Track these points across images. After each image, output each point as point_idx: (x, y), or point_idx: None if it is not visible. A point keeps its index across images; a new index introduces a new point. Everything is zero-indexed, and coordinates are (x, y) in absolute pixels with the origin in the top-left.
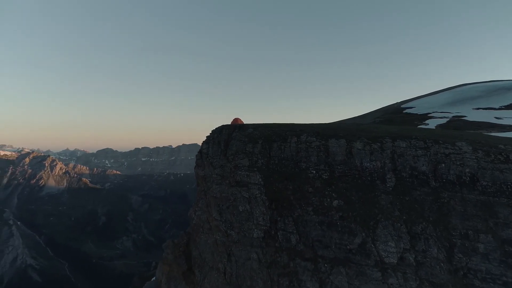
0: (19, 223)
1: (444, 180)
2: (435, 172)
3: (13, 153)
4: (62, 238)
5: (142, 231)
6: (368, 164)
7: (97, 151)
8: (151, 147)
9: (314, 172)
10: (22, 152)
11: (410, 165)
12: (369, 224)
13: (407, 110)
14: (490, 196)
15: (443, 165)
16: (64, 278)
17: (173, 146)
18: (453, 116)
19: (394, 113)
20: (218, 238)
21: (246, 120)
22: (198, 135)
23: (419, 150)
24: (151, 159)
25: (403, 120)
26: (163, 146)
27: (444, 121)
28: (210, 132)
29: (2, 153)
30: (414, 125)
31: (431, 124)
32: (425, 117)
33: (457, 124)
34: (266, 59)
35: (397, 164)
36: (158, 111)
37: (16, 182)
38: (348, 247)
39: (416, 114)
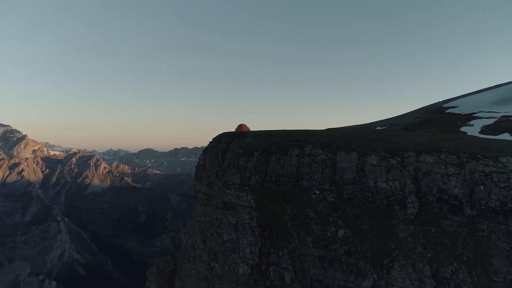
0: (66, 219)
1: (483, 207)
2: (471, 196)
3: (61, 152)
4: (106, 234)
5: (181, 230)
6: (384, 185)
7: (139, 151)
8: (190, 147)
9: (318, 192)
10: (70, 152)
11: (438, 186)
12: (383, 262)
13: (450, 110)
14: None
15: (481, 187)
16: (107, 273)
17: None
18: (501, 116)
19: (435, 113)
20: (201, 271)
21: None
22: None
23: (450, 167)
24: (189, 159)
25: (445, 120)
26: (201, 146)
27: (491, 121)
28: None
29: (52, 152)
30: (457, 126)
31: (476, 125)
32: (470, 117)
33: (506, 125)
34: (305, 58)
35: (422, 185)
36: (197, 111)
37: (63, 180)
38: None
39: (460, 114)
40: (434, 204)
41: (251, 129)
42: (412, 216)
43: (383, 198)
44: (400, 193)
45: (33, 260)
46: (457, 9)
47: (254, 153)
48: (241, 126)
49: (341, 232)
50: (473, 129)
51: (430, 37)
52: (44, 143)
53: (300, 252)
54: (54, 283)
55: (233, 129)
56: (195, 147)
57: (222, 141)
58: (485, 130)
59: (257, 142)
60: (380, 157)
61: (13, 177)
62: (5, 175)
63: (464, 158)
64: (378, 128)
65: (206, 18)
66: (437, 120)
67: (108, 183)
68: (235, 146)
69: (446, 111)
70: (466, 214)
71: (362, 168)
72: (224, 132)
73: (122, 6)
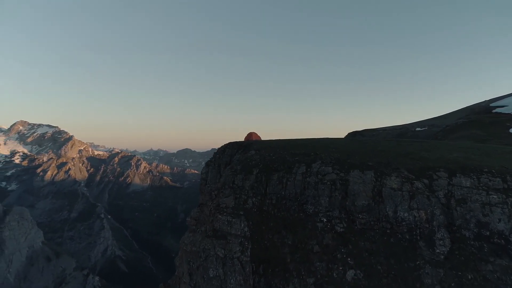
0: (109, 216)
1: None
2: None
3: (105, 152)
4: (146, 232)
5: None
6: (406, 214)
7: (177, 151)
8: None
9: (325, 220)
10: (113, 152)
11: (477, 219)
12: None
13: (498, 109)
14: None
15: None
16: (147, 270)
17: None
18: None
19: (481, 113)
20: None
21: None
22: (275, 134)
23: (493, 193)
24: None
25: (492, 121)
26: None
27: None
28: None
29: (96, 152)
30: (505, 128)
31: None
32: None
33: None
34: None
35: (455, 217)
36: (234, 111)
37: (107, 179)
38: None
39: (509, 114)
40: (471, 242)
41: (267, 134)
42: (442, 257)
43: (405, 232)
44: (427, 225)
45: (79, 255)
46: (503, 4)
47: (253, 170)
48: (250, 134)
49: (350, 274)
50: None
51: (476, 33)
52: (89, 143)
53: None
54: (97, 278)
55: (275, 130)
56: None
57: (226, 153)
58: None
59: (259, 156)
60: (402, 179)
61: (61, 175)
62: (53, 174)
63: (511, 181)
64: (418, 129)
65: (242, 18)
66: (483, 120)
67: (148, 182)
68: (235, 160)
69: (493, 110)
70: None
71: (380, 192)
72: (230, 142)
73: (171, 8)
